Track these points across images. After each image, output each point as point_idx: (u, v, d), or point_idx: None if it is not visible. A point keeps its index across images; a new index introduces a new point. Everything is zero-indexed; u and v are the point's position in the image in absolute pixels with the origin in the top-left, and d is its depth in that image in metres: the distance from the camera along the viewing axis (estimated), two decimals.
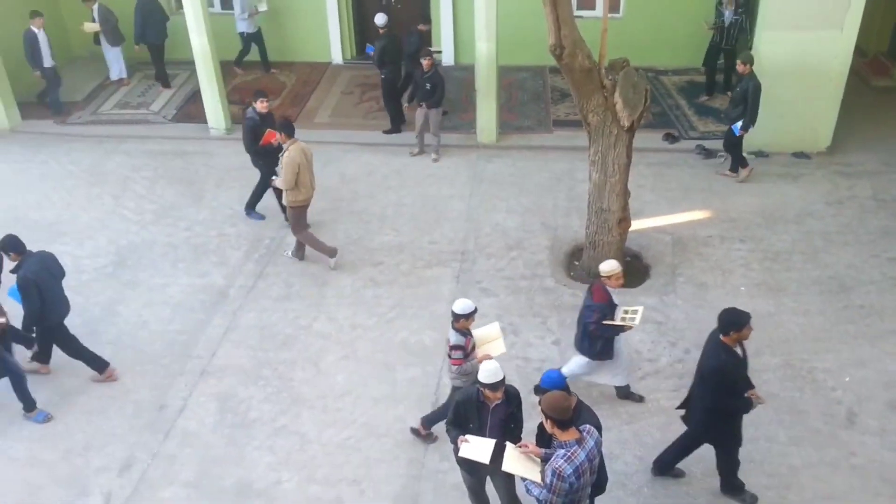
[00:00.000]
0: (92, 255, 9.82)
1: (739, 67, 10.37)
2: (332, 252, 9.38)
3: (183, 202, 10.91)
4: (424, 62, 11.12)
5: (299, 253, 9.60)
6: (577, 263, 9.35)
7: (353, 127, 12.77)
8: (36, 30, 12.73)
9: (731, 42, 12.75)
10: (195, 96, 13.34)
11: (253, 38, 14.35)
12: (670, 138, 12.04)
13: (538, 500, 5.00)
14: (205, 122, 12.68)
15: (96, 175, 11.62)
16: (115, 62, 14.24)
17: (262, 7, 14.25)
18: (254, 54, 14.53)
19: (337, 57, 15.14)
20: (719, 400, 5.87)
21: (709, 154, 11.60)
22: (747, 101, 10.20)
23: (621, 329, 6.75)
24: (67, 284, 8.93)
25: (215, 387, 7.78)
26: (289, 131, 8.97)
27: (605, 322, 6.67)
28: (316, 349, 8.20)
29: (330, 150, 12.06)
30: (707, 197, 10.61)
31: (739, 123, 10.42)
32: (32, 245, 9.68)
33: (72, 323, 8.58)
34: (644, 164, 10.95)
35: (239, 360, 8.11)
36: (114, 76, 14.35)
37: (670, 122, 12.62)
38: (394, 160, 11.80)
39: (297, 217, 9.20)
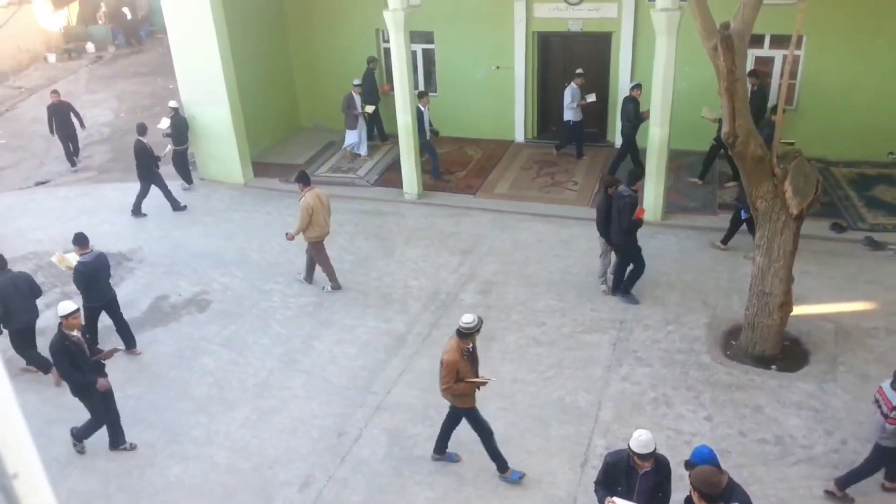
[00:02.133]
0: (297, 295, 10.39)
1: None
2: (336, 284, 10.31)
3: (376, 255, 11.36)
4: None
5: (308, 277, 10.51)
6: (734, 343, 8.73)
7: (528, 199, 12.83)
8: (423, 107, 12.88)
9: None
10: (395, 165, 13.99)
11: (576, 127, 13.75)
12: (838, 228, 11.10)
13: None
14: (401, 186, 13.21)
15: None
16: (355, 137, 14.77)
17: (591, 98, 13.65)
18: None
19: (520, 136, 15.39)
20: None
21: (877, 246, 10.56)
22: None
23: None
24: (276, 319, 9.50)
25: (388, 421, 7.90)
26: (305, 181, 9.94)
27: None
28: (479, 397, 8.10)
29: (506, 219, 12.18)
30: (873, 288, 9.63)
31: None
32: (252, 281, 10.42)
33: (275, 352, 9.11)
34: (809, 251, 10.16)
35: (410, 399, 8.21)
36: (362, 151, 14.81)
37: (839, 212, 11.65)
38: (563, 231, 11.70)
39: (316, 249, 10.17)
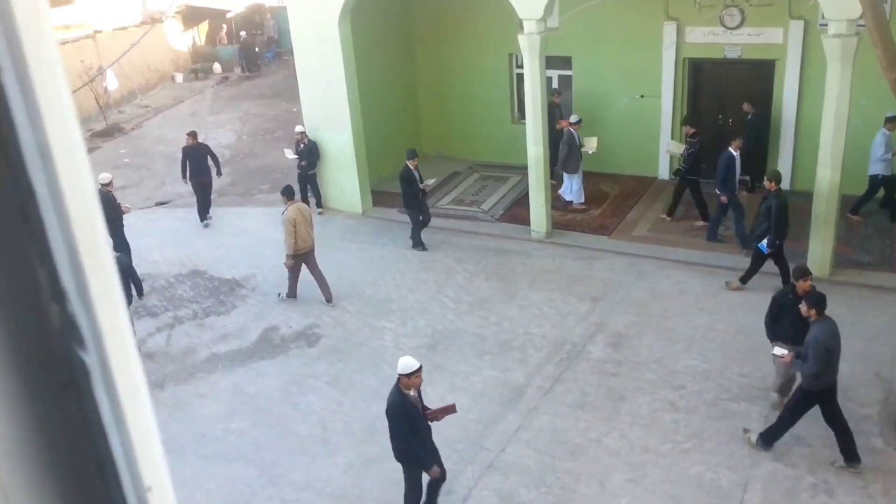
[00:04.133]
0: (411, 335, 10.57)
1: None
2: (293, 294, 11.41)
3: (496, 297, 11.39)
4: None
5: (292, 293, 11.42)
6: None
7: (670, 243, 12.49)
8: (734, 151, 11.81)
9: None
10: (522, 200, 14.05)
11: (884, 183, 12.39)
12: None
13: None
14: (527, 223, 13.23)
15: (426, 262, 12.61)
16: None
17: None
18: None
19: (664, 172, 15.06)
20: None
21: None
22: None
23: None
24: (386, 359, 9.70)
25: (500, 483, 7.82)
26: (289, 195, 11.11)
27: None
28: (603, 465, 7.92)
29: (644, 264, 11.90)
30: None
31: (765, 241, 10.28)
32: (363, 317, 10.71)
33: (382, 394, 9.29)
34: None
35: (526, 460, 8.10)
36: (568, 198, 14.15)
37: None
38: (710, 281, 11.29)
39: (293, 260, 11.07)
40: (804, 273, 7.93)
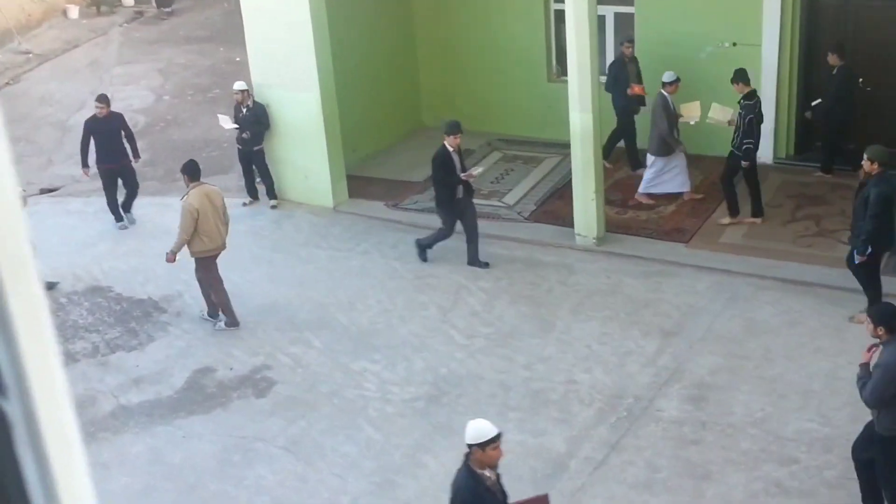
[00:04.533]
0: (403, 382, 10.55)
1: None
2: (232, 320, 11.61)
3: (526, 329, 11.36)
4: None
5: (212, 311, 11.74)
6: None
7: (776, 254, 12.48)
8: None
9: None
10: (563, 191, 14.05)
11: None
12: None
13: None
14: (571, 225, 13.22)
15: (425, 278, 12.61)
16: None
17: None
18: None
19: (766, 153, 15.02)
20: None
21: None
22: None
23: None
24: (368, 416, 9.69)
25: None
26: (192, 174, 11.50)
27: None
28: None
29: (737, 284, 11.87)
30: None
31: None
32: (335, 355, 10.73)
33: (363, 468, 9.25)
34: None
35: None
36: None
37: None
38: (831, 310, 11.26)
39: (204, 268, 11.52)
40: None
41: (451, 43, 16.60)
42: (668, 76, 13.81)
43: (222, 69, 21.29)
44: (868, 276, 10.79)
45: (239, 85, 14.57)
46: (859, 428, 9.30)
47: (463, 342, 11.20)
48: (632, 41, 15.01)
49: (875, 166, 10.55)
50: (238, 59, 19.31)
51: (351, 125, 14.90)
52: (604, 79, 14.64)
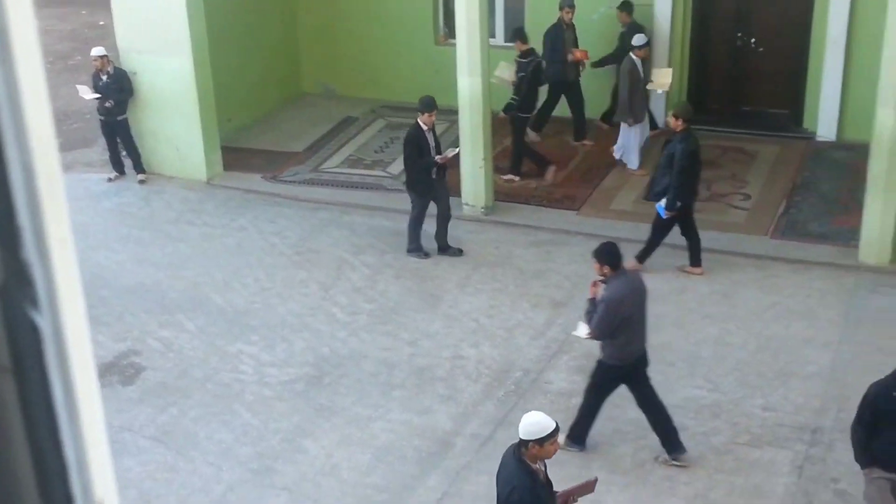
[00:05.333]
0: (281, 364, 10.59)
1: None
2: None
3: (411, 304, 11.48)
4: None
5: None
6: None
7: None
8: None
9: None
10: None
11: None
12: None
13: None
14: (458, 194, 13.32)
15: (305, 254, 12.65)
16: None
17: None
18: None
19: (659, 118, 15.41)
20: None
21: None
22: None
23: None
24: (245, 401, 9.73)
25: None
26: None
27: None
28: None
29: (628, 252, 12.14)
30: None
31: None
32: (210, 337, 10.70)
33: (239, 455, 9.28)
34: None
35: None
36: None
37: None
38: (722, 276, 11.67)
39: None
40: None
41: (333, 4, 16.58)
42: (638, 39, 14.00)
43: (84, 34, 20.88)
44: (662, 231, 11.57)
45: (97, 51, 14.32)
46: (747, 393, 9.74)
47: (345, 320, 11.27)
48: (572, 6, 14.76)
49: (680, 123, 11.19)
50: (102, 22, 19.00)
51: (225, 93, 14.79)
52: (493, 41, 14.80)
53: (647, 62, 14.14)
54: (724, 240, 12.31)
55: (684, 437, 9.19)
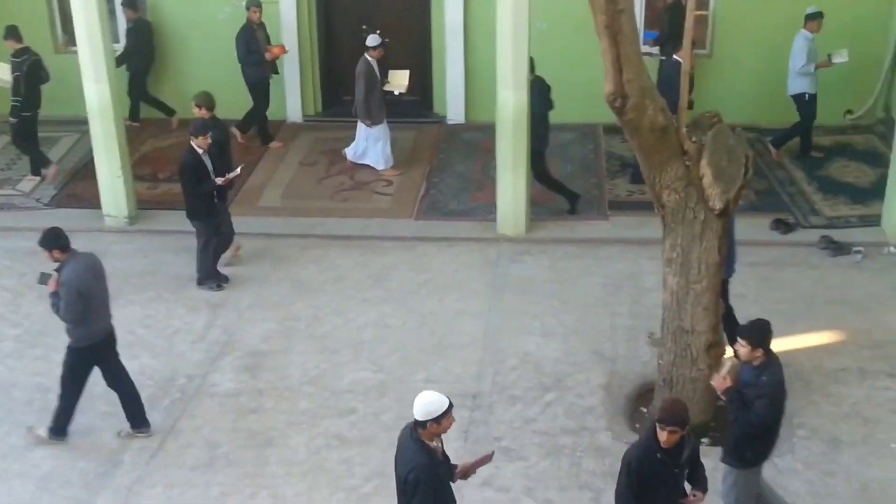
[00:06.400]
0: None
1: None
2: None
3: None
4: None
5: None
6: (644, 411, 9.29)
7: (315, 213, 13.06)
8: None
9: None
10: (85, 169, 13.78)
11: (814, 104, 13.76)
12: (783, 227, 12.19)
13: None
14: (98, 206, 12.97)
15: None
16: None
17: (841, 58, 13.79)
18: None
19: (294, 113, 15.57)
20: None
21: (839, 249, 11.70)
22: None
23: None
24: None
25: None
26: None
27: None
28: None
29: (280, 246, 12.32)
30: (839, 311, 10.67)
31: None
32: None
33: None
34: (746, 263, 11.03)
35: None
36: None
37: (782, 203, 12.83)
38: (375, 261, 11.98)
39: None
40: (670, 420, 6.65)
41: None
42: (372, 40, 13.87)
43: None
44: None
45: None
46: (410, 369, 10.08)
47: None
48: (259, 5, 14.52)
49: (204, 111, 11.45)
50: None
51: None
52: (118, 46, 14.45)
53: (384, 63, 14.04)
54: (372, 226, 12.66)
55: (354, 420, 9.41)
